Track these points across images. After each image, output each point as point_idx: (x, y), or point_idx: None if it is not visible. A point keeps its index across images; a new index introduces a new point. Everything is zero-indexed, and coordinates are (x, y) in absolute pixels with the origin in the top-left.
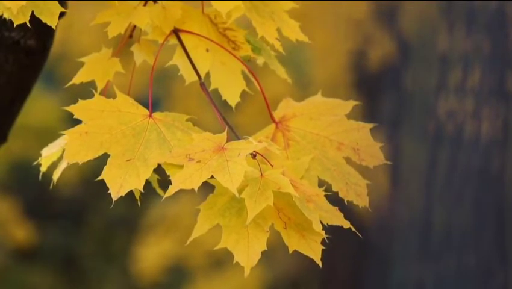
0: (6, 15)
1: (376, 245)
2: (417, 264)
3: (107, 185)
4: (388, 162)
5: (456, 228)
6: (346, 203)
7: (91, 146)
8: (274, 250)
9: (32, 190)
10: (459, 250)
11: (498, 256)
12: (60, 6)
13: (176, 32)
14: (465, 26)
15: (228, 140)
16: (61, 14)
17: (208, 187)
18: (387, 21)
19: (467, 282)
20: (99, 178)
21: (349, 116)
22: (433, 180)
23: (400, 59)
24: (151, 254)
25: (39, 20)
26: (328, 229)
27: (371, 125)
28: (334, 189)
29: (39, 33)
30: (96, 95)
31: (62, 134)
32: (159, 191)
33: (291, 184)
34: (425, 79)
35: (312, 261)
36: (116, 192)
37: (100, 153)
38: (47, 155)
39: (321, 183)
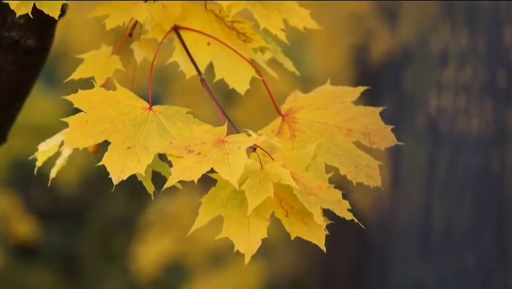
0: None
1: (376, 245)
2: (417, 264)
3: (108, 170)
4: (400, 143)
5: (456, 228)
6: (354, 185)
7: (92, 133)
8: (274, 250)
9: (33, 189)
10: (459, 250)
11: (498, 256)
12: None
13: (176, 29)
14: (465, 25)
15: (228, 134)
16: (62, 12)
17: (207, 185)
18: (388, 18)
19: (467, 282)
20: (100, 164)
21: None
22: (433, 180)
23: (400, 57)
24: (150, 253)
25: (39, 20)
26: (329, 226)
27: (380, 108)
28: (342, 172)
29: (39, 33)
30: (96, 86)
31: (61, 130)
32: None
33: (292, 177)
34: (426, 78)
35: (312, 261)
36: (117, 177)
37: (100, 140)
38: (44, 150)
39: (329, 170)
